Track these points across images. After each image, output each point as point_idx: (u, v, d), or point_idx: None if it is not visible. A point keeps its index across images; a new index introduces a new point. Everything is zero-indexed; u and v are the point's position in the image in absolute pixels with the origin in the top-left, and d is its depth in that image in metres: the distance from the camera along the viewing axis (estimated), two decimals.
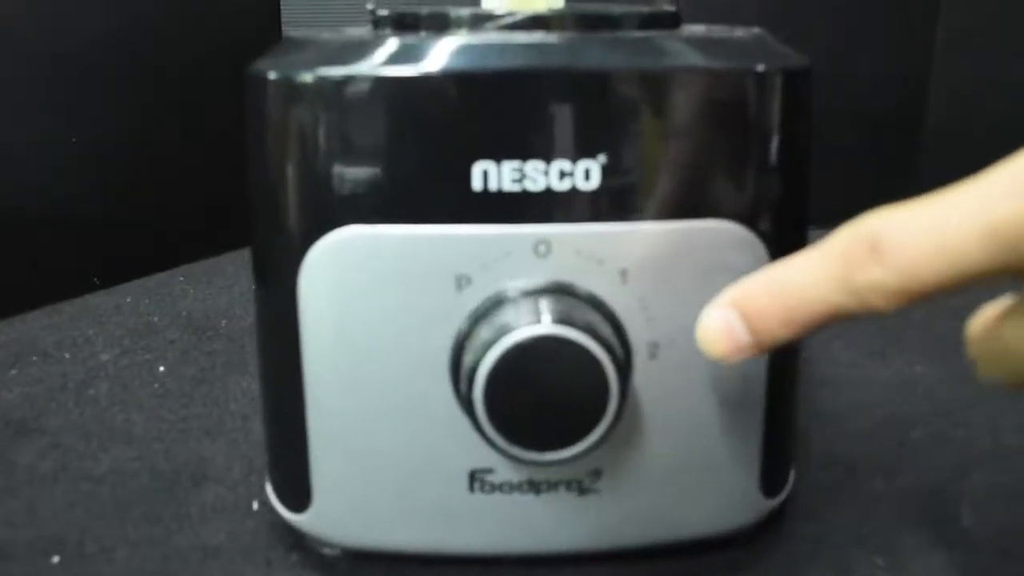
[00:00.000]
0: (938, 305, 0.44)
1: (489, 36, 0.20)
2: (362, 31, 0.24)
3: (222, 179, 0.53)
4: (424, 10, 0.23)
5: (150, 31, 0.49)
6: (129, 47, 0.48)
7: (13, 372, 0.37)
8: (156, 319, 0.43)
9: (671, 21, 0.24)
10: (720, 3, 0.54)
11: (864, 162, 0.57)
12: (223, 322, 0.42)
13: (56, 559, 0.25)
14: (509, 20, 0.21)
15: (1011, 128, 0.52)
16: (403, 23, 0.23)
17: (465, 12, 0.22)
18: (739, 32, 0.24)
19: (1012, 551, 0.24)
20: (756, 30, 0.24)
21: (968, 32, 0.53)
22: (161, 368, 0.37)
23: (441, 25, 0.22)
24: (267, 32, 0.55)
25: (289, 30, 0.27)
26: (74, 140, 0.46)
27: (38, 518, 0.27)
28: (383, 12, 0.24)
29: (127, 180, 0.49)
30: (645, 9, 0.23)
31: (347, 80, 0.20)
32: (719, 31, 0.24)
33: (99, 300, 0.46)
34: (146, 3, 0.49)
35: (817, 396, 0.33)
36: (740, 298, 0.19)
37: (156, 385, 0.36)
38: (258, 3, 0.56)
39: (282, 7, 0.58)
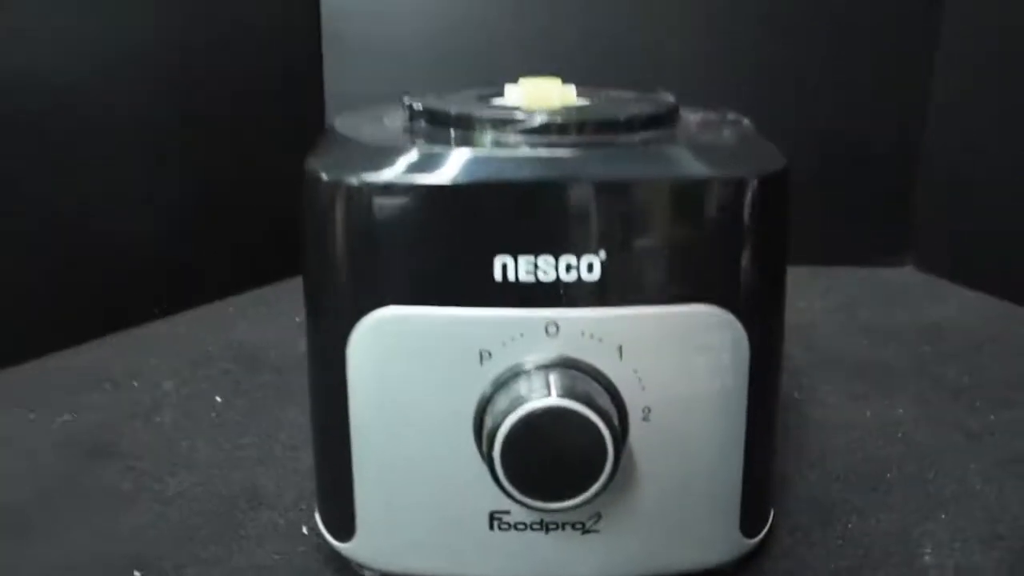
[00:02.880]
0: (921, 351, 0.47)
1: (507, 147, 0.24)
2: (399, 123, 0.28)
3: (265, 215, 0.58)
4: (453, 109, 0.27)
5: (203, 81, 0.54)
6: (182, 93, 0.53)
7: (91, 397, 0.42)
8: (210, 349, 0.48)
9: (670, 118, 0.28)
10: (717, 46, 0.57)
11: (858, 208, 0.60)
12: (271, 353, 0.47)
13: (137, 574, 0.29)
14: (526, 125, 0.25)
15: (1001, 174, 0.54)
16: (435, 118, 0.27)
17: (487, 115, 0.26)
18: (726, 129, 0.27)
19: None
20: (744, 123, 0.28)
21: (963, 83, 0.56)
22: (217, 398, 0.42)
23: (467, 125, 0.26)
24: (311, 62, 0.60)
25: (334, 116, 0.31)
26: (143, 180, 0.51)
27: (119, 536, 0.31)
28: (418, 106, 0.28)
29: (183, 216, 0.54)
30: (648, 109, 0.27)
31: (387, 186, 0.23)
32: (708, 125, 0.28)
33: (158, 329, 0.51)
34: (200, 60, 0.53)
35: (805, 439, 0.37)
36: None
37: (213, 414, 0.40)
38: (302, 48, 0.61)
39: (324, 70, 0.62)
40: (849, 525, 0.30)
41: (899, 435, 0.37)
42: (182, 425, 0.39)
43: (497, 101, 0.29)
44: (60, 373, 0.45)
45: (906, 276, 0.59)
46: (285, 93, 0.60)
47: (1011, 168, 0.53)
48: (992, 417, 0.38)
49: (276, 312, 0.53)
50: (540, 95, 0.28)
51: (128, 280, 0.51)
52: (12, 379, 0.44)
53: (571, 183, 0.23)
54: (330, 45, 0.61)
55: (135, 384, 0.43)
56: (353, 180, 0.24)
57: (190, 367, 0.45)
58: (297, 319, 0.50)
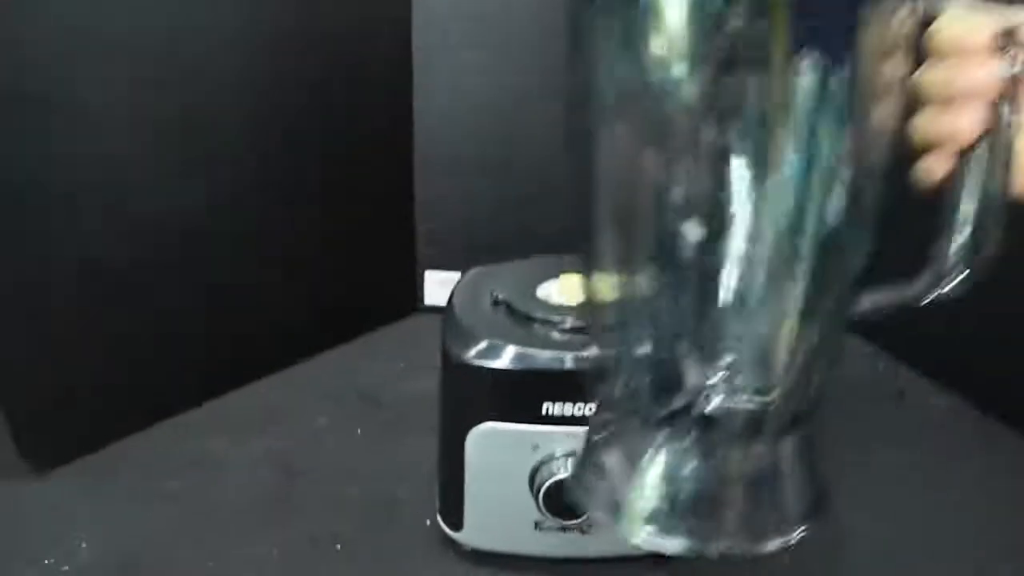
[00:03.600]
0: None
1: (546, 343, 0.47)
2: (489, 306, 0.51)
3: (374, 271, 0.80)
4: (522, 307, 0.49)
5: (317, 128, 0.74)
6: (301, 139, 0.72)
7: (270, 428, 0.66)
8: (340, 391, 0.71)
9: None
10: None
11: None
12: (386, 393, 0.70)
13: (338, 546, 0.53)
14: (558, 326, 0.48)
15: None
16: (510, 309, 0.50)
17: (535, 315, 0.48)
18: None
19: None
20: None
21: None
22: (359, 431, 0.65)
23: (524, 318, 0.49)
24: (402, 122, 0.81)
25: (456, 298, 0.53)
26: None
27: (328, 520, 0.55)
28: (501, 297, 0.51)
29: (304, 275, 0.76)
30: None
31: (476, 366, 0.46)
32: None
33: (297, 373, 0.74)
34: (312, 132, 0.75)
35: None
36: None
37: (358, 443, 0.64)
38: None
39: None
40: None
41: None
42: (340, 448, 0.63)
43: (548, 289, 0.51)
44: (238, 409, 0.68)
45: None
46: (378, 154, 0.80)
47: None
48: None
49: (383, 356, 0.76)
50: (571, 289, 0.51)
51: (270, 331, 0.74)
52: (207, 414, 0.68)
53: (582, 370, 0.46)
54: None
55: (299, 418, 0.67)
56: (462, 359, 0.47)
57: (331, 406, 0.69)
58: (401, 364, 0.73)
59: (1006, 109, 0.32)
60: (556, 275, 0.52)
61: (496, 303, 0.51)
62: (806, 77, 0.27)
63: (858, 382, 0.73)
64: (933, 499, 0.57)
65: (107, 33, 0.59)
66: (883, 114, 0.30)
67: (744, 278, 0.30)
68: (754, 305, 0.30)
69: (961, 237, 0.33)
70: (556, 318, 0.48)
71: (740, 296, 0.30)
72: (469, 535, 0.51)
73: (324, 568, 0.51)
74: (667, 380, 0.32)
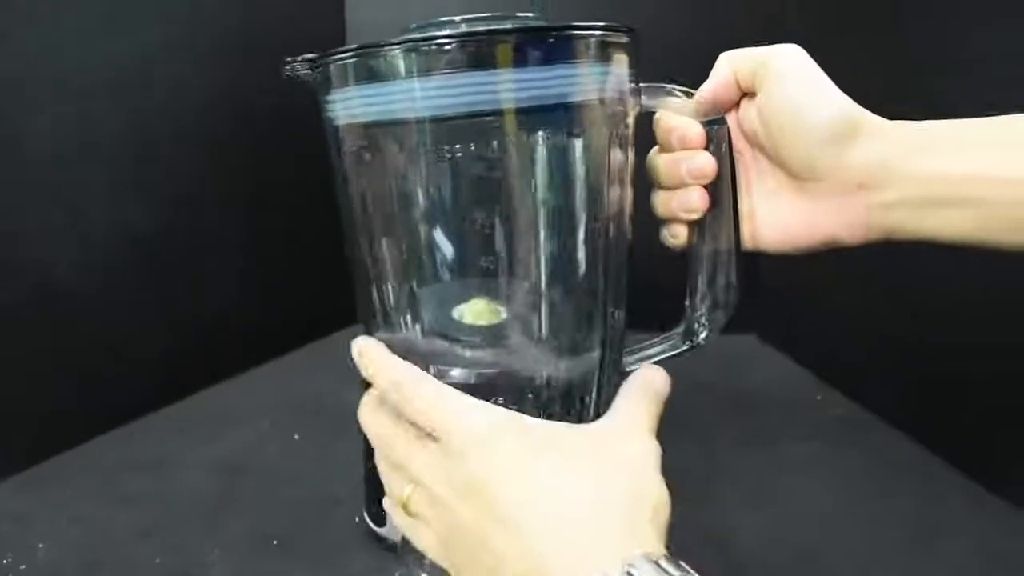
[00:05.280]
0: (721, 405, 0.75)
1: (458, 360, 0.53)
2: None
3: (312, 282, 0.85)
4: (438, 326, 0.55)
5: (260, 157, 0.81)
6: (256, 156, 0.79)
7: (220, 431, 0.71)
8: (284, 398, 0.76)
9: None
10: None
11: None
12: (328, 400, 0.76)
13: (275, 542, 0.58)
14: (470, 345, 0.53)
15: None
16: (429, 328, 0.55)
17: (452, 332, 0.54)
18: None
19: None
20: None
21: None
22: (296, 436, 0.71)
23: (442, 337, 0.54)
24: None
25: None
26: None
27: (266, 520, 0.60)
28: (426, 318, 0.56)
29: (254, 287, 0.82)
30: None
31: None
32: None
33: (246, 382, 0.79)
34: (260, 139, 0.81)
35: None
36: None
37: (297, 447, 0.69)
38: None
39: None
40: None
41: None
42: (282, 452, 0.68)
43: (461, 311, 0.57)
44: (192, 415, 0.74)
45: (747, 345, 0.88)
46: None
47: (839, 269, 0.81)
48: (737, 453, 0.68)
49: (326, 366, 0.82)
50: (477, 312, 0.56)
51: (223, 341, 0.79)
52: (163, 419, 0.73)
53: (493, 380, 0.51)
54: None
55: (247, 423, 0.72)
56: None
57: (275, 412, 0.74)
58: (343, 372, 0.78)
59: (724, 185, 0.40)
60: (467, 299, 0.57)
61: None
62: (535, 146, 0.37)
63: (779, 390, 0.79)
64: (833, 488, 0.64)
65: (61, 65, 0.64)
66: (614, 179, 0.39)
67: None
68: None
69: (703, 295, 0.41)
70: (466, 337, 0.54)
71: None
72: (392, 530, 0.56)
73: (261, 563, 0.57)
74: None
